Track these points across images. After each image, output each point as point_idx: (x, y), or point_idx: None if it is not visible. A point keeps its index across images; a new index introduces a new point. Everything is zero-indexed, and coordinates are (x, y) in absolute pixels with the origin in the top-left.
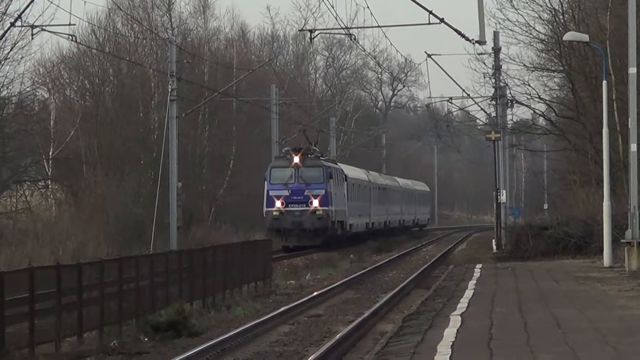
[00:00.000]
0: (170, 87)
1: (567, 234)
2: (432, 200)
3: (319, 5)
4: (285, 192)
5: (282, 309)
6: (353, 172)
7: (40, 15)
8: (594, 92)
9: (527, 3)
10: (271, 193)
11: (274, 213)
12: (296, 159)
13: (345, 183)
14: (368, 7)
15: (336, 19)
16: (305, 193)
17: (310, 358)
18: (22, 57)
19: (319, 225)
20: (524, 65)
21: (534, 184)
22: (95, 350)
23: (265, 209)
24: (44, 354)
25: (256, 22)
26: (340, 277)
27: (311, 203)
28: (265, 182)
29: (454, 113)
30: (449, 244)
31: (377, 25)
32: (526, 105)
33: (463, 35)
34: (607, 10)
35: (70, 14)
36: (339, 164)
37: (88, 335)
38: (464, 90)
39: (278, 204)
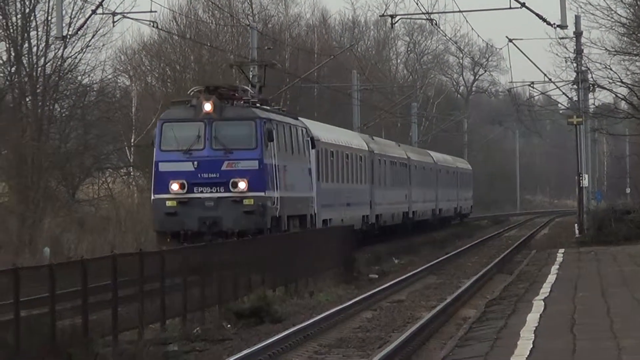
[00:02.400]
0: (251, 73)
1: None
2: (472, 181)
3: None
4: (189, 166)
5: (365, 294)
6: (332, 133)
7: (121, 3)
8: None
9: None
10: (162, 168)
11: (168, 204)
12: (207, 106)
13: (313, 151)
14: None
15: (417, 4)
16: (224, 168)
17: (393, 344)
18: (103, 45)
19: (247, 224)
20: (606, 49)
21: (616, 168)
22: (178, 337)
23: (152, 196)
24: (127, 341)
25: (337, 8)
26: (423, 263)
27: (234, 185)
28: (155, 148)
29: (536, 97)
30: (531, 229)
31: (458, 10)
32: (608, 90)
33: (544, 20)
34: None
35: (152, 0)
36: (307, 121)
37: (171, 322)
38: (545, 75)
39: (175, 186)
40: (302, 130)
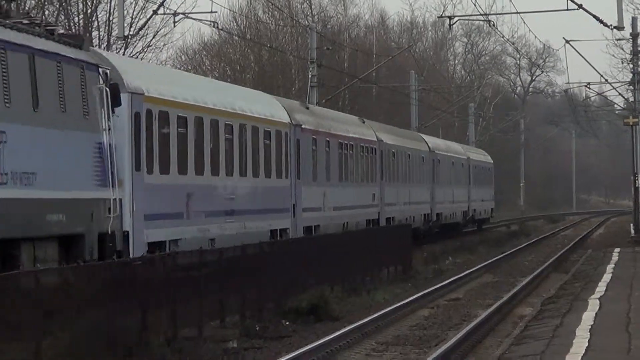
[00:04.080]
0: (310, 73)
1: None
2: (492, 178)
3: None
4: None
5: (422, 292)
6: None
7: (182, 3)
8: None
9: None
10: None
11: None
12: None
13: (125, 112)
14: None
15: (475, 5)
16: None
17: (449, 342)
18: (164, 45)
19: None
20: None
21: None
22: (237, 334)
23: None
24: (185, 337)
25: (395, 9)
26: (479, 262)
27: None
28: None
29: (592, 98)
30: (586, 228)
31: (515, 11)
32: None
33: (601, 21)
34: None
35: (212, 1)
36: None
37: (230, 319)
38: (602, 76)
39: None
40: (88, 72)
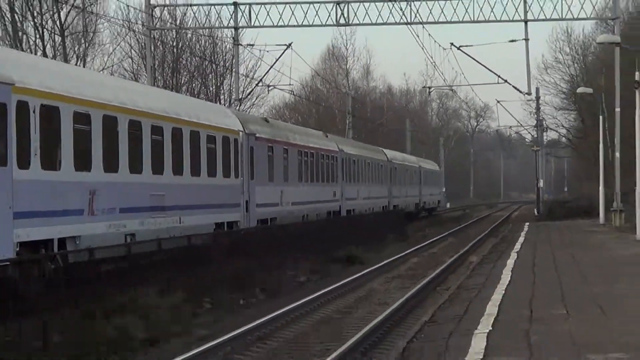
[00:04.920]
0: (348, 120)
1: (578, 205)
2: (441, 180)
3: (434, 73)
4: None
5: (412, 249)
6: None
7: (273, 78)
8: (595, 122)
9: (555, 71)
10: None
11: None
12: None
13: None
14: (462, 73)
15: (444, 80)
16: None
17: (429, 276)
18: (262, 104)
19: None
20: (554, 107)
21: (558, 176)
22: (307, 273)
23: None
24: (276, 275)
25: (397, 82)
26: (444, 232)
27: None
28: None
29: (512, 135)
30: (508, 211)
31: (467, 84)
32: (555, 130)
33: (518, 90)
34: (602, 75)
35: (290, 77)
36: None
37: (303, 266)
38: (518, 122)
39: None
40: None
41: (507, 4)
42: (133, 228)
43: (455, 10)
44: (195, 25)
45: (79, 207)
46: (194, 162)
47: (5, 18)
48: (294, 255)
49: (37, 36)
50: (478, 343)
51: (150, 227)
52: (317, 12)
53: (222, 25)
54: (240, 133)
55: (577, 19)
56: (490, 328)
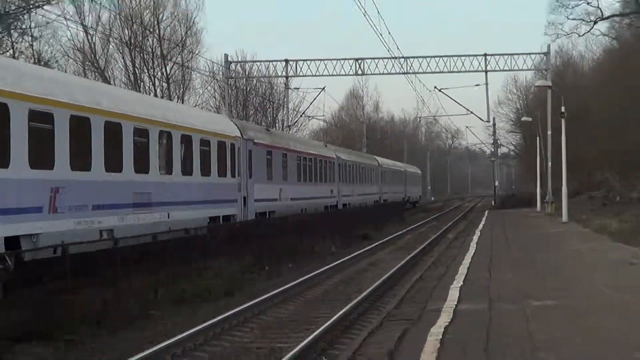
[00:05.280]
0: (364, 140)
1: (522, 198)
2: (421, 180)
3: (422, 107)
4: None
5: (408, 228)
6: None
7: (311, 112)
8: (533, 141)
9: (506, 105)
10: None
11: None
12: None
13: None
14: (443, 107)
15: (429, 112)
16: None
17: (419, 248)
18: (304, 130)
19: None
20: (506, 130)
21: (508, 178)
22: (335, 246)
23: None
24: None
25: (398, 112)
26: (430, 217)
27: None
28: None
29: (477, 151)
30: (474, 203)
31: (446, 114)
32: (506, 147)
33: (481, 119)
34: (539, 109)
35: (323, 111)
36: None
37: (328, 241)
38: (481, 141)
39: None
40: None
41: (473, 60)
42: (110, 224)
43: (437, 64)
44: (259, 75)
45: (37, 204)
46: (186, 163)
47: (129, 70)
48: (326, 234)
49: (150, 83)
50: (453, 293)
51: (132, 222)
52: (342, 66)
53: (277, 75)
54: (238, 138)
55: (522, 69)
56: (462, 283)
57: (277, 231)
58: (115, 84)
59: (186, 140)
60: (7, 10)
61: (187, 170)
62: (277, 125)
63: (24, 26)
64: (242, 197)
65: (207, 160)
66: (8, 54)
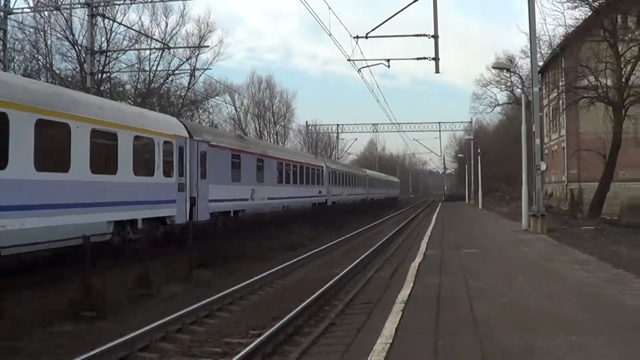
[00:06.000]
0: (376, 165)
1: (458, 197)
2: (398, 186)
3: (407, 149)
4: None
5: (399, 211)
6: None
7: (351, 150)
8: (464, 166)
9: (451, 150)
10: None
11: None
12: None
13: None
14: (417, 149)
15: (412, 152)
16: None
17: (402, 223)
18: (349, 154)
19: None
20: (450, 160)
21: (450, 186)
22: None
23: None
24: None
25: (395, 152)
26: (410, 205)
27: None
28: None
29: (436, 170)
30: (433, 198)
31: (420, 152)
32: (451, 170)
33: (437, 154)
34: (466, 149)
35: (356, 151)
36: None
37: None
38: (437, 167)
39: None
40: None
41: (434, 125)
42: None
43: (414, 127)
44: (322, 131)
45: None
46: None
47: (256, 129)
48: (349, 218)
49: (268, 136)
50: (422, 245)
51: (25, 226)
52: (365, 127)
53: (332, 132)
54: (185, 139)
55: (458, 130)
56: (427, 240)
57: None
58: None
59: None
60: (197, 98)
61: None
62: (330, 157)
63: (204, 107)
64: (188, 197)
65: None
66: (195, 120)
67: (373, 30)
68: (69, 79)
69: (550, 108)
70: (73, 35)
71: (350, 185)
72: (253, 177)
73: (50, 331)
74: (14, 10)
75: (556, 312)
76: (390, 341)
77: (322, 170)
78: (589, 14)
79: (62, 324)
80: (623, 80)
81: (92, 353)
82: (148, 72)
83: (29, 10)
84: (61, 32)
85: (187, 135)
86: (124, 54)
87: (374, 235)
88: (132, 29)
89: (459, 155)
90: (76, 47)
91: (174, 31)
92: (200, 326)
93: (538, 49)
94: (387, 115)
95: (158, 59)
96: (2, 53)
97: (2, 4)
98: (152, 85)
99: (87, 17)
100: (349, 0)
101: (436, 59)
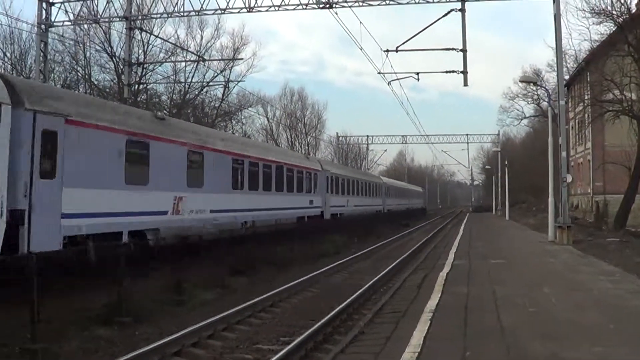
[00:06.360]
0: (405, 176)
1: (485, 208)
2: (423, 195)
3: (436, 160)
4: None
5: (429, 221)
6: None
7: (378, 159)
8: (491, 178)
9: (478, 162)
10: None
11: None
12: None
13: None
14: (446, 161)
15: (441, 164)
16: None
17: (434, 231)
18: (379, 165)
19: None
20: (477, 172)
21: (477, 197)
22: (354, 241)
23: None
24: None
25: (424, 165)
26: (438, 216)
27: None
28: None
29: (464, 182)
30: (461, 209)
31: (448, 164)
32: (478, 181)
33: (464, 166)
34: (494, 161)
35: (386, 163)
36: None
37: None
38: (465, 178)
39: None
40: None
41: (461, 137)
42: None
43: (442, 139)
44: (353, 142)
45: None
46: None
47: (288, 140)
48: (376, 228)
49: (299, 146)
50: (450, 255)
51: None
52: (395, 138)
53: (362, 142)
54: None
55: (485, 142)
56: (455, 250)
57: None
58: (280, 146)
59: None
60: (231, 109)
61: None
62: (359, 168)
63: (238, 118)
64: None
65: None
66: (228, 131)
67: (403, 44)
68: (107, 90)
69: (576, 121)
70: (111, 47)
71: (361, 193)
72: (180, 180)
73: (85, 335)
74: (54, 23)
75: (582, 323)
76: (419, 350)
77: (317, 175)
78: (614, 29)
79: (98, 329)
80: None
81: (125, 357)
82: (183, 84)
83: (69, 23)
84: (100, 45)
85: (9, 101)
86: (160, 65)
87: (402, 245)
88: (169, 42)
89: (486, 167)
90: (114, 59)
91: (209, 44)
92: (231, 332)
93: (564, 63)
94: (416, 127)
95: (193, 70)
96: (43, 64)
97: (43, 17)
98: (187, 96)
99: (125, 30)
100: (380, 14)
101: (464, 72)
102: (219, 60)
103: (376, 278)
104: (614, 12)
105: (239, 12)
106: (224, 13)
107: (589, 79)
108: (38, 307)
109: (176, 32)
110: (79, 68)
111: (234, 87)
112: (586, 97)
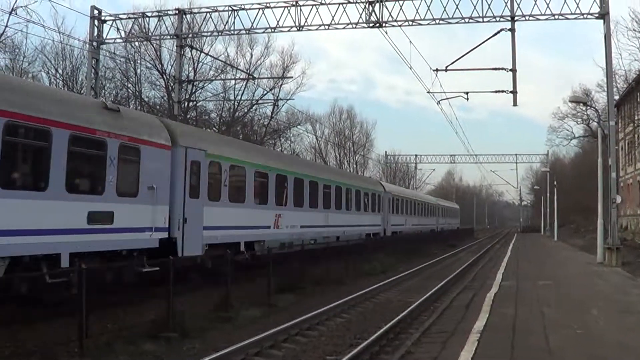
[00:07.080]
0: (453, 197)
1: (533, 228)
2: (458, 213)
3: (484, 178)
4: None
5: (478, 240)
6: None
7: (426, 178)
8: (540, 199)
9: (527, 182)
10: None
11: None
12: None
13: None
14: (495, 180)
15: (489, 184)
16: None
17: (482, 250)
18: (423, 190)
19: None
20: (526, 192)
21: (525, 217)
22: (436, 250)
23: None
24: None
25: (472, 184)
26: (485, 236)
27: None
28: None
29: (512, 202)
30: (508, 229)
31: (496, 184)
32: (526, 201)
33: (513, 186)
34: (542, 182)
35: (431, 182)
36: None
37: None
38: (513, 198)
39: None
40: None
41: (509, 157)
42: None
43: (490, 158)
44: (401, 161)
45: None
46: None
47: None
48: (432, 244)
49: (348, 165)
50: (499, 276)
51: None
52: (443, 158)
53: (410, 162)
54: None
55: (534, 162)
56: (503, 270)
57: None
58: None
59: None
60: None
61: None
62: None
63: (286, 136)
64: None
65: None
66: (277, 149)
67: (452, 63)
68: (157, 107)
69: (626, 141)
70: (162, 64)
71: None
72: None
73: (132, 350)
74: (106, 41)
75: (630, 345)
76: None
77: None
78: None
79: (145, 344)
80: None
81: None
82: (233, 101)
83: (121, 40)
84: (150, 62)
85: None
86: (210, 83)
87: (450, 265)
88: (219, 60)
89: (535, 187)
90: (164, 76)
91: (259, 62)
92: (278, 350)
93: (614, 83)
94: (465, 146)
95: (243, 88)
96: (94, 81)
97: (95, 34)
98: (237, 114)
99: (175, 47)
100: (429, 34)
101: (514, 92)
102: (269, 78)
103: (425, 297)
104: None
105: (289, 30)
106: (274, 31)
107: (638, 99)
108: (86, 321)
109: (226, 49)
110: (129, 85)
111: (283, 105)
112: (636, 118)
